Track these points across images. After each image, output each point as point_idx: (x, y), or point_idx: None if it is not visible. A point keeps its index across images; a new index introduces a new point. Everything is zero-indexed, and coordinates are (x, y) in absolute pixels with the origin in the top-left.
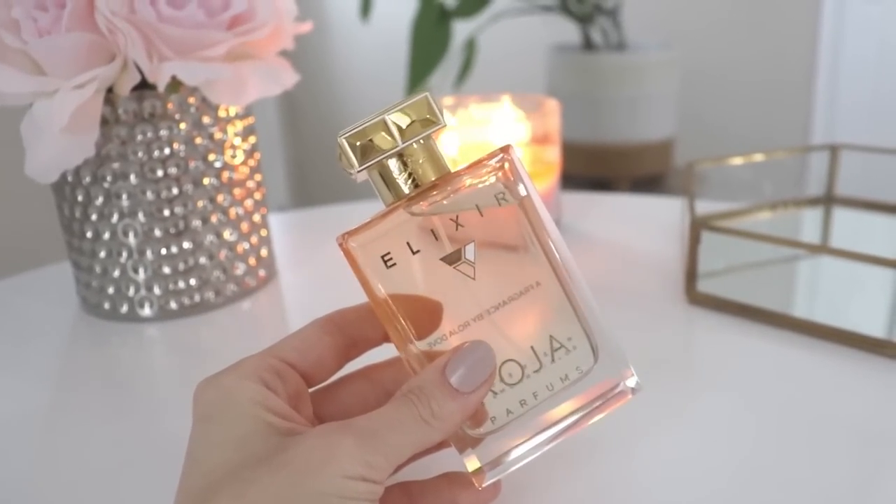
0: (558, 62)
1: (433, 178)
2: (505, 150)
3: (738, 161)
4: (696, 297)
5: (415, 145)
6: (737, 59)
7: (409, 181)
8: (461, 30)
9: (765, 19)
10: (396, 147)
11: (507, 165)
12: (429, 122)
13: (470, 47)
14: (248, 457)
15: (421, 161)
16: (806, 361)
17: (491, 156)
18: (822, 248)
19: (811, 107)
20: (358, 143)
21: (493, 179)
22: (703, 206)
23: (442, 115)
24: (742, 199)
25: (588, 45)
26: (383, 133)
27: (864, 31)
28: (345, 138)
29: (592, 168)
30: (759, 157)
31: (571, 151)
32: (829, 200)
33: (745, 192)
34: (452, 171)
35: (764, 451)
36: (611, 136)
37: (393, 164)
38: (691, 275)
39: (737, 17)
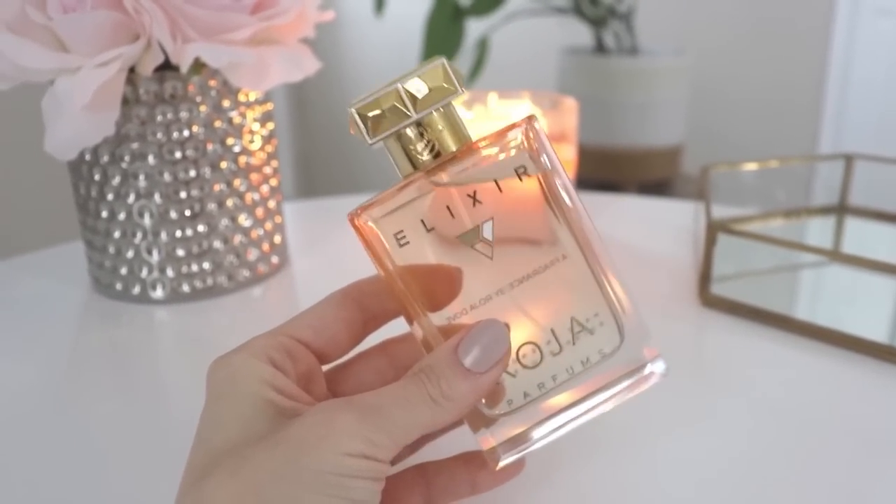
0: (570, 64)
1: (453, 149)
2: (529, 120)
3: (752, 167)
4: (709, 300)
5: (434, 114)
6: (747, 68)
7: (427, 152)
8: (474, 28)
9: (777, 30)
10: (410, 118)
11: (531, 135)
12: (445, 90)
13: (482, 46)
14: (251, 435)
15: (440, 130)
16: (816, 366)
17: (514, 126)
18: (837, 254)
19: (820, 119)
20: (370, 115)
21: (514, 152)
22: (715, 211)
23: (459, 82)
24: (749, 206)
25: (600, 48)
26: (396, 103)
27: (875, 44)
28: (356, 109)
29: (600, 171)
30: (773, 164)
31: (579, 154)
32: (841, 210)
33: (754, 198)
34: (473, 140)
35: (772, 453)
36: (619, 139)
37: (410, 134)
38: (705, 277)
39: (749, 27)
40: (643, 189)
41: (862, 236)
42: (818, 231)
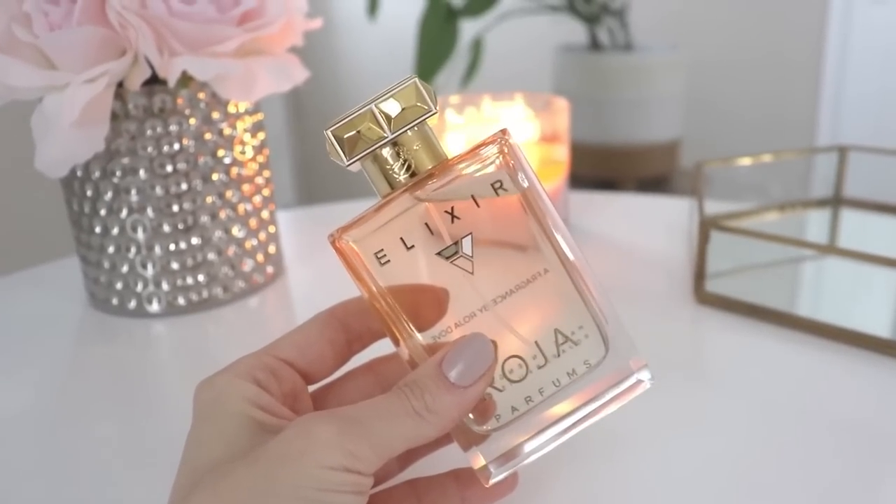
0: (565, 62)
1: (429, 167)
2: (502, 134)
3: (746, 161)
4: (704, 297)
5: (408, 133)
6: (743, 61)
7: (403, 171)
8: (468, 29)
9: (772, 21)
10: (385, 138)
11: (506, 150)
12: (419, 109)
13: (477, 47)
14: (235, 453)
15: (415, 148)
16: (814, 362)
17: (487, 141)
18: (831, 249)
19: (817, 109)
20: (345, 136)
21: (492, 168)
22: (710, 207)
23: (433, 101)
24: (747, 200)
25: (595, 45)
26: (371, 124)
27: (871, 33)
28: (331, 131)
29: (598, 168)
30: (767, 158)
31: (577, 151)
32: (836, 202)
33: (751, 193)
34: (449, 158)
35: (770, 451)
36: (617, 136)
37: (386, 154)
38: (700, 274)
39: (744, 19)
40: (641, 185)
41: (858, 228)
42: (814, 224)
